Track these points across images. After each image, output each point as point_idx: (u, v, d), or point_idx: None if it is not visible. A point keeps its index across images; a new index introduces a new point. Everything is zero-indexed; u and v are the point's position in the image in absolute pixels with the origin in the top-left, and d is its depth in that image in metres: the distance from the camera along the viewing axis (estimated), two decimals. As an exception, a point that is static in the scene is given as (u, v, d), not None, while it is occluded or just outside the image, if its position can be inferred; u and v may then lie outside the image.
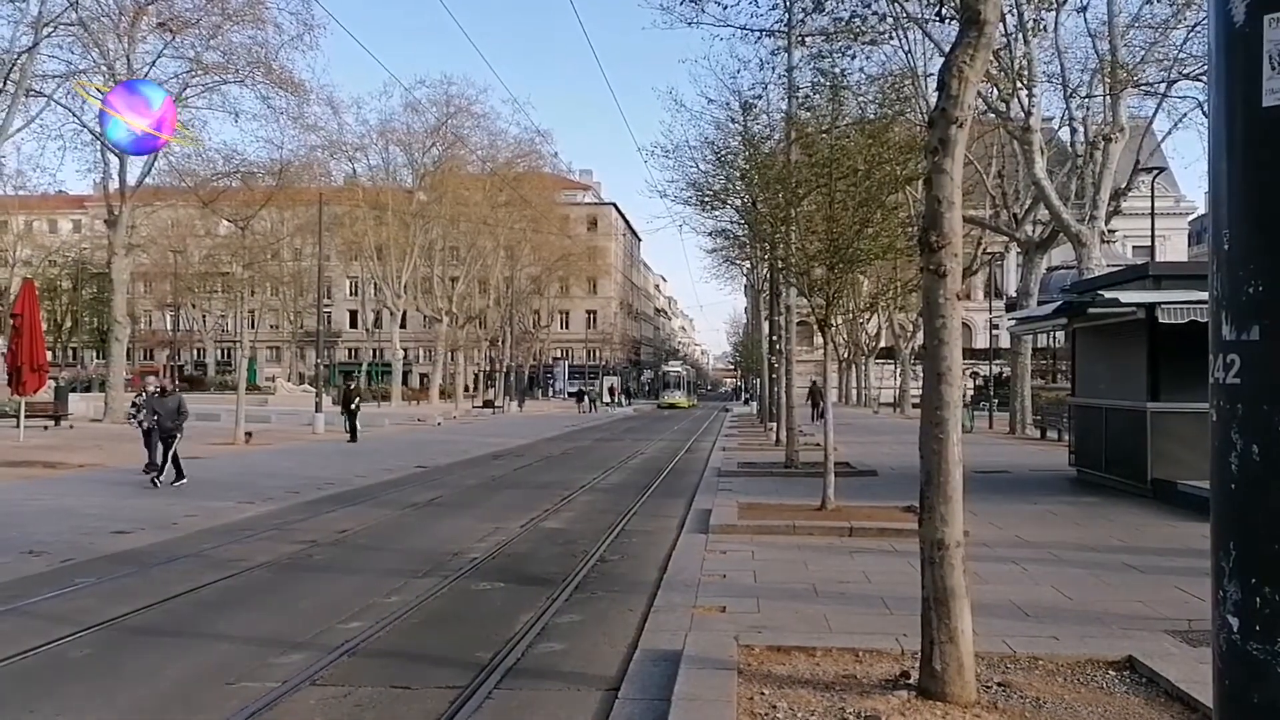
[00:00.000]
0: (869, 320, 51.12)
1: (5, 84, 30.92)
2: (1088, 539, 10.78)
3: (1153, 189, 28.17)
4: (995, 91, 23.41)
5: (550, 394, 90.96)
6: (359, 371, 76.88)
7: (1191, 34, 23.08)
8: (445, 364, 69.36)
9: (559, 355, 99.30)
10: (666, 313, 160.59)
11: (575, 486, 17.00)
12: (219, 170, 37.28)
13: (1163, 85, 25.16)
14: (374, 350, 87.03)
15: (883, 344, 57.97)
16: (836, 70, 15.92)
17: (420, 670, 6.21)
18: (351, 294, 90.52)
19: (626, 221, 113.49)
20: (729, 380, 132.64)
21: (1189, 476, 12.70)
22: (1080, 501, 14.11)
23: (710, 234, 31.70)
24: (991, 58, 15.29)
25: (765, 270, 28.31)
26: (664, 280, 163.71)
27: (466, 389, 68.79)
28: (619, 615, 7.63)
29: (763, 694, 5.28)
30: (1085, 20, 24.71)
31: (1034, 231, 29.12)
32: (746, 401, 76.53)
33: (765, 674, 5.66)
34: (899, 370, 50.77)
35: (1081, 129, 26.48)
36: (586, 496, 15.82)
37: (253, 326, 72.54)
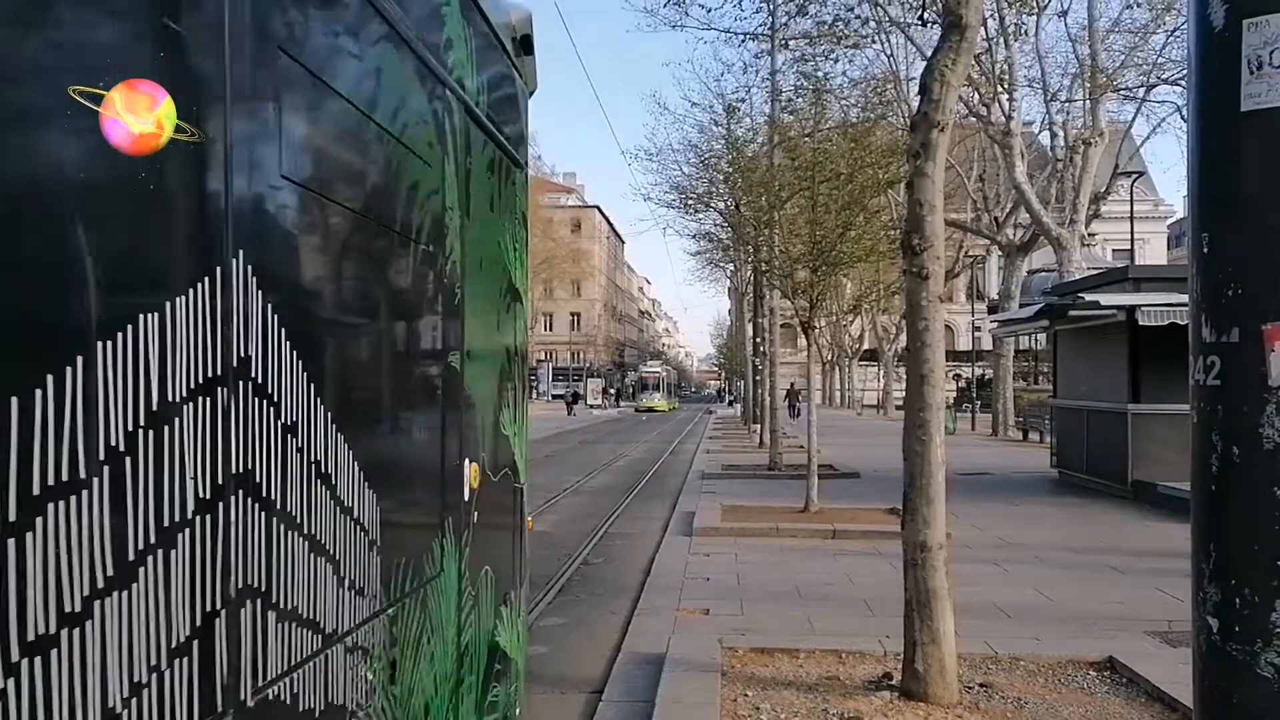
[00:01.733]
0: (852, 323, 51.29)
1: None
2: (1069, 540, 10.84)
3: (1132, 193, 28.38)
4: (976, 96, 23.52)
5: (534, 396, 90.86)
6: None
7: (1171, 39, 23.28)
8: (428, 366, 69.01)
9: (542, 358, 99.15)
10: (651, 315, 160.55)
11: (559, 489, 16.95)
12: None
13: (1142, 90, 25.37)
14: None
15: (866, 346, 58.15)
16: (819, 74, 16.02)
17: (403, 674, 6.17)
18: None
19: (610, 224, 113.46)
20: (713, 382, 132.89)
21: (1170, 478, 12.79)
22: (1062, 503, 14.20)
23: (694, 237, 31.72)
24: (973, 62, 15.37)
25: (749, 273, 28.38)
26: (648, 283, 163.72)
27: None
28: (602, 618, 7.62)
29: (746, 696, 5.29)
30: (1066, 25, 25.12)
31: (1015, 235, 29.28)
32: (730, 404, 76.61)
33: (749, 676, 5.67)
34: (882, 372, 50.97)
35: (1062, 133, 26.63)
36: (570, 499, 15.80)
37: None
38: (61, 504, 1.35)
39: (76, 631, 1.38)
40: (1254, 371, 2.02)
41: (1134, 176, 27.77)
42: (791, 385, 46.99)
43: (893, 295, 24.96)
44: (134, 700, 1.48)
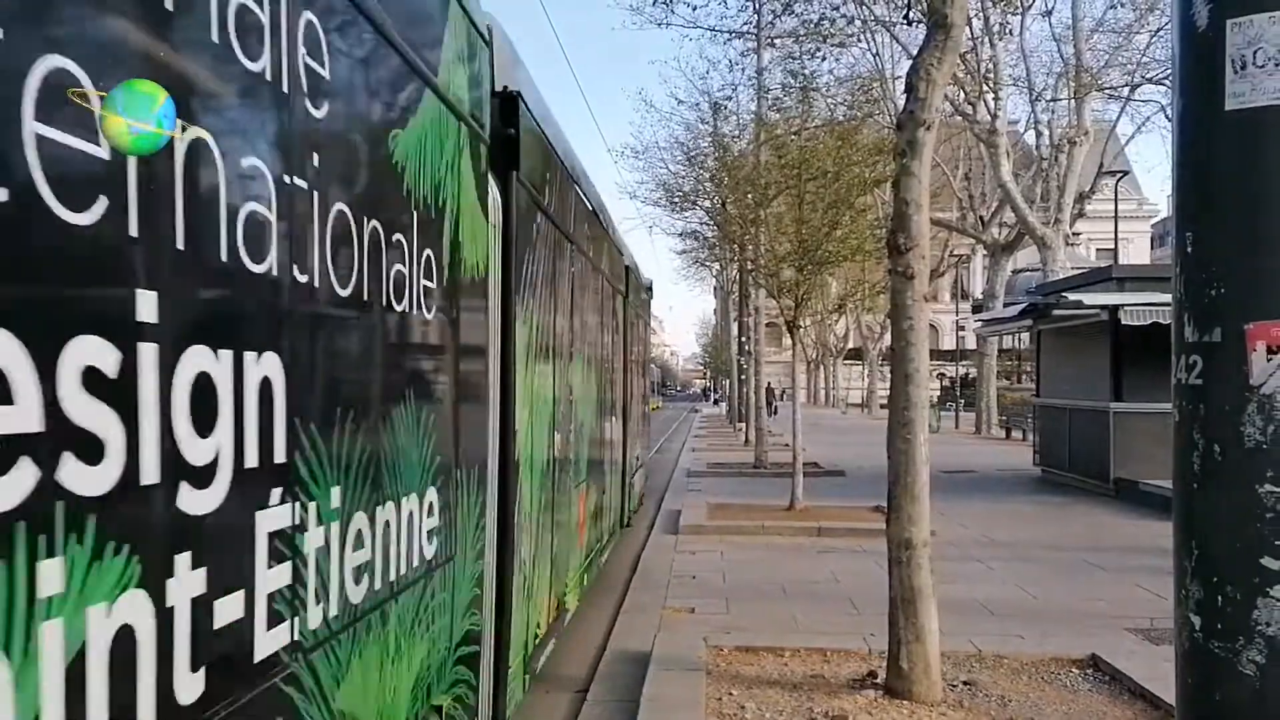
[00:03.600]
0: (837, 322, 51.36)
1: None
2: (1052, 538, 10.89)
3: (1116, 192, 28.52)
4: (962, 95, 23.59)
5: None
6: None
7: (1154, 39, 23.41)
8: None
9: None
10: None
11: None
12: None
13: (1126, 89, 25.46)
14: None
15: (851, 345, 58.27)
16: (806, 72, 16.01)
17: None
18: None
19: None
20: (698, 381, 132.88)
21: (1152, 476, 12.87)
22: (1044, 501, 14.26)
23: (680, 235, 31.67)
24: (958, 61, 15.41)
25: (734, 272, 28.38)
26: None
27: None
28: (588, 616, 7.60)
29: (731, 694, 5.29)
30: (1050, 25, 25.12)
31: (1000, 234, 29.39)
32: (715, 402, 76.56)
33: (734, 674, 5.67)
34: (867, 371, 51.07)
35: (1046, 132, 26.74)
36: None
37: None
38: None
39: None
40: (1236, 371, 2.03)
41: (1118, 176, 27.93)
42: (768, 385, 46.93)
43: (878, 294, 24.93)
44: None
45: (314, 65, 2.15)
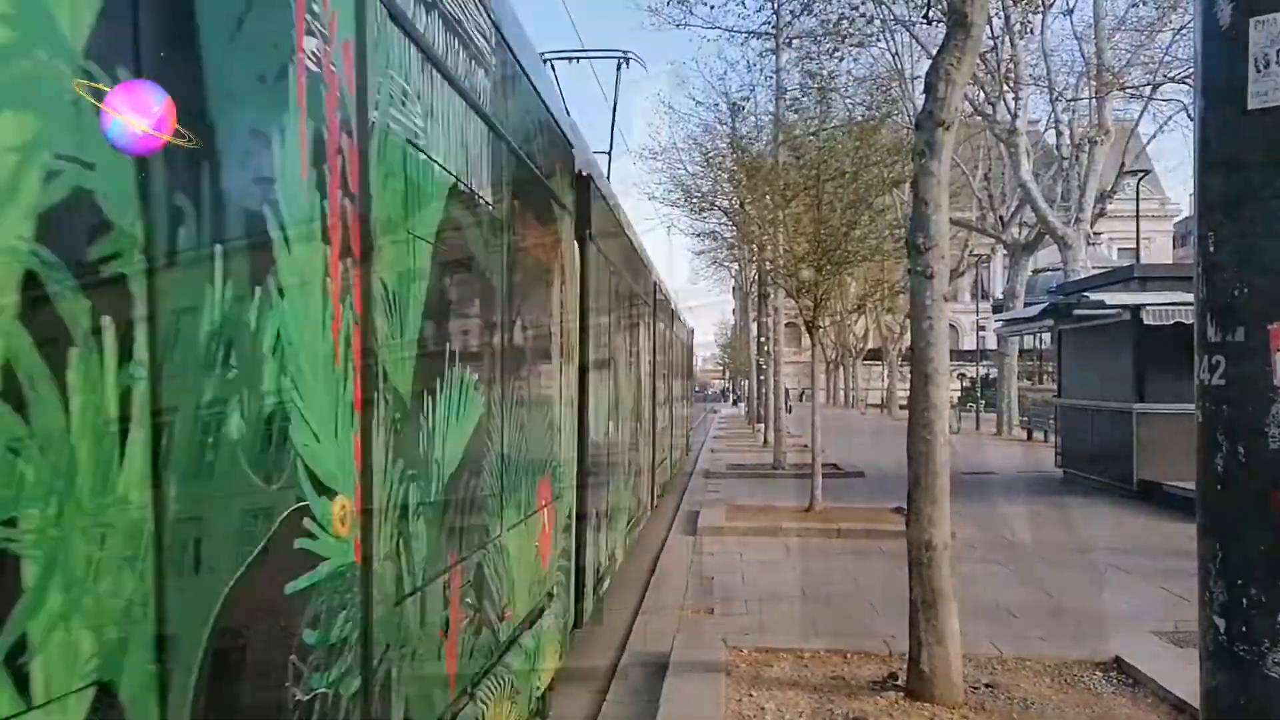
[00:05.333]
0: (856, 322, 51.16)
1: None
2: (1074, 540, 10.82)
3: (1138, 191, 28.29)
4: (982, 94, 23.46)
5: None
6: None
7: (1177, 37, 23.18)
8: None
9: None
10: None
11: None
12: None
13: (1148, 88, 25.23)
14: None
15: (870, 345, 58.03)
16: (824, 72, 15.97)
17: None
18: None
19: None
20: (717, 382, 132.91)
21: (1175, 477, 12.75)
22: (1066, 502, 14.16)
23: (698, 236, 31.66)
24: (978, 60, 15.33)
25: (753, 272, 28.33)
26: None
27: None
28: (607, 617, 7.61)
29: (751, 695, 5.28)
30: (1071, 23, 24.88)
31: (1020, 234, 29.19)
32: (735, 403, 76.41)
33: (753, 676, 5.67)
34: (886, 372, 50.85)
35: (1067, 131, 26.53)
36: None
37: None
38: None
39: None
40: (1259, 371, 2.01)
41: (1140, 175, 27.69)
42: (785, 388, 46.70)
43: (897, 294, 24.92)
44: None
45: None
